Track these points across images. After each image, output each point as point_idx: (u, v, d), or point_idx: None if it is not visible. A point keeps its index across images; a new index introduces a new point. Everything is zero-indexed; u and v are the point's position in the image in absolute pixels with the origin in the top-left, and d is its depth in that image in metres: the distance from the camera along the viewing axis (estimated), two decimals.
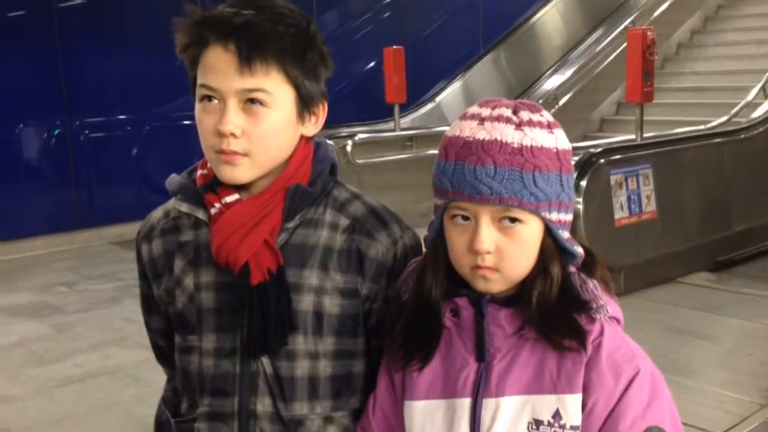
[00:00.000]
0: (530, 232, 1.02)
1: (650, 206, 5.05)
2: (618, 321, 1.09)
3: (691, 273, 5.21)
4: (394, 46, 7.03)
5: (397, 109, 7.27)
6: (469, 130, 1.03)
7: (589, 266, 1.08)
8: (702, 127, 6.42)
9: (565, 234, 1.05)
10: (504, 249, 1.02)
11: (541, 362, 1.04)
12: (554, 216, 1.03)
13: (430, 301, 1.08)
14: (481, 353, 1.06)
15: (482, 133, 1.01)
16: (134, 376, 3.81)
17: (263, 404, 1.14)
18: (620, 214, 4.87)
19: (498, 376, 1.05)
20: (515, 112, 1.03)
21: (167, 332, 1.27)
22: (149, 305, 1.29)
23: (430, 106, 8.51)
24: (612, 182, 4.84)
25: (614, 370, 1.02)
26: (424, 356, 1.09)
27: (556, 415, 1.02)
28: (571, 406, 1.01)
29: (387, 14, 8.87)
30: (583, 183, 4.60)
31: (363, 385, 1.20)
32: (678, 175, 5.34)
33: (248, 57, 1.06)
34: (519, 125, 1.02)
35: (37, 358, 4.13)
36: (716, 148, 5.72)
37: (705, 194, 5.53)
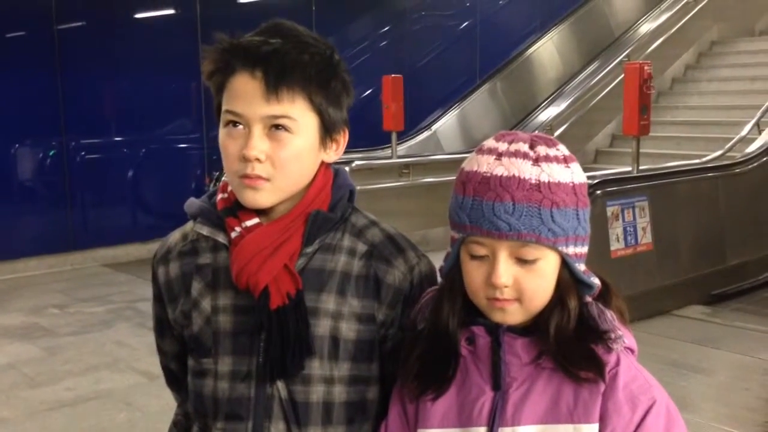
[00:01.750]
0: (547, 266, 1.03)
1: (646, 238, 5.06)
2: (632, 351, 1.10)
3: (685, 306, 5.21)
4: (393, 75, 7.08)
5: (394, 136, 7.30)
6: (487, 165, 1.03)
7: (604, 296, 1.09)
8: (697, 161, 6.47)
9: (581, 266, 1.06)
10: (522, 282, 1.02)
11: (557, 391, 1.04)
12: (571, 250, 1.04)
13: (447, 331, 1.08)
14: (497, 382, 1.06)
15: (500, 168, 1.02)
16: (126, 401, 3.77)
17: (277, 429, 1.14)
18: (616, 246, 4.88)
19: (514, 405, 1.05)
20: (532, 147, 1.04)
21: (180, 355, 1.27)
22: (162, 328, 1.29)
23: (426, 134, 8.56)
24: (608, 214, 4.86)
25: (631, 401, 1.02)
26: (439, 386, 1.09)
27: None
28: None
29: (385, 43, 8.96)
30: (589, 207, 4.61)
31: (378, 410, 1.19)
32: (674, 207, 5.36)
33: (275, 84, 1.07)
34: (536, 161, 1.03)
35: (28, 380, 4.08)
36: (711, 182, 5.76)
37: (700, 227, 5.55)
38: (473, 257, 1.04)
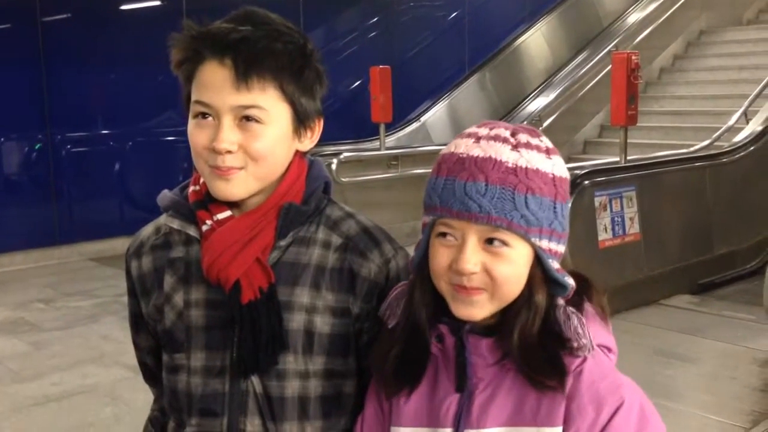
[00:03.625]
0: (518, 257, 0.98)
1: (634, 228, 5.07)
2: (609, 350, 1.06)
3: (673, 295, 5.23)
4: (381, 66, 7.05)
5: (382, 128, 7.28)
6: (465, 147, 1.00)
7: (585, 293, 1.05)
8: (685, 150, 6.48)
9: (554, 264, 1.01)
10: (492, 269, 0.97)
11: (522, 393, 1.00)
12: (545, 244, 0.99)
13: (419, 325, 1.05)
14: (462, 384, 1.03)
15: (477, 150, 0.99)
16: (112, 395, 3.74)
17: (253, 424, 1.12)
18: (604, 236, 4.89)
19: (479, 407, 1.02)
20: (513, 134, 1.01)
21: (155, 351, 1.25)
22: (138, 323, 1.26)
23: (415, 125, 8.54)
24: (596, 204, 4.86)
25: (596, 401, 0.97)
26: (413, 384, 1.06)
27: None
28: None
29: (373, 34, 8.92)
30: (568, 204, 4.61)
31: (353, 405, 1.18)
32: (661, 197, 5.38)
33: (245, 73, 1.04)
34: (516, 146, 0.99)
35: (13, 375, 4.05)
36: (699, 172, 5.77)
37: (688, 217, 5.57)
38: (441, 241, 1.00)
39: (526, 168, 0.97)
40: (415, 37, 9.11)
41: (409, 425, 1.07)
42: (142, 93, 7.00)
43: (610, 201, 4.94)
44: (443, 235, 1.00)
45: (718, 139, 6.74)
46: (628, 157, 5.61)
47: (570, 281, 1.02)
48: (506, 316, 1.01)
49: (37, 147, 6.66)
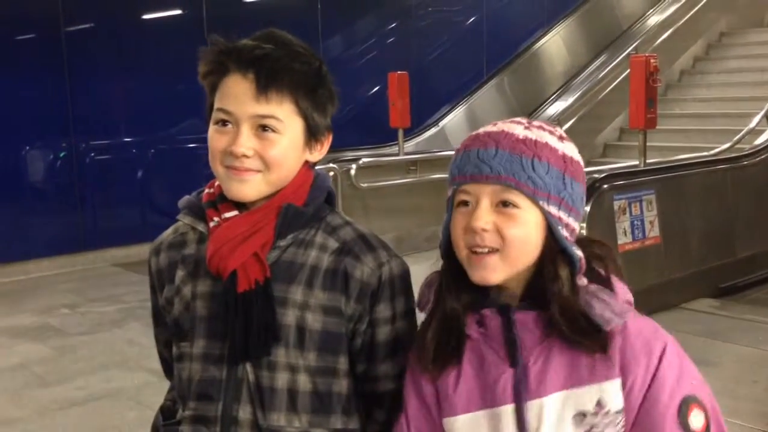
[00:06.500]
0: (528, 218, 1.06)
1: (654, 232, 5.05)
2: (630, 304, 1.12)
3: (694, 299, 5.19)
4: (399, 71, 7.09)
5: (401, 133, 7.30)
6: (484, 128, 1.13)
7: (600, 259, 1.12)
8: (705, 153, 6.43)
9: (564, 233, 1.08)
10: (503, 228, 1.05)
11: (573, 357, 1.07)
12: (554, 210, 1.07)
13: (452, 313, 1.12)
14: (515, 359, 1.09)
15: (493, 128, 1.12)
16: (136, 400, 3.80)
17: (245, 411, 1.19)
18: (624, 240, 4.87)
19: (536, 378, 1.08)
20: (529, 122, 1.12)
21: (170, 343, 1.32)
22: (158, 317, 1.36)
23: (434, 130, 8.56)
24: (616, 208, 4.85)
25: (646, 348, 1.06)
26: (451, 364, 1.13)
27: (599, 403, 1.04)
28: (612, 391, 1.04)
29: (391, 39, 8.95)
30: (587, 208, 4.61)
31: (346, 405, 1.23)
32: (681, 201, 5.35)
33: (265, 86, 1.15)
34: (528, 127, 1.11)
35: (39, 380, 4.12)
36: (720, 175, 5.73)
37: (708, 220, 5.53)
38: (460, 207, 1.09)
39: (535, 140, 1.08)
40: (433, 42, 9.13)
41: (464, 412, 1.12)
42: (165, 101, 7.09)
43: (630, 204, 4.92)
44: (463, 204, 1.09)
45: (739, 141, 6.69)
46: (648, 161, 5.59)
47: (578, 253, 1.10)
48: (536, 290, 1.08)
49: (61, 155, 6.76)
